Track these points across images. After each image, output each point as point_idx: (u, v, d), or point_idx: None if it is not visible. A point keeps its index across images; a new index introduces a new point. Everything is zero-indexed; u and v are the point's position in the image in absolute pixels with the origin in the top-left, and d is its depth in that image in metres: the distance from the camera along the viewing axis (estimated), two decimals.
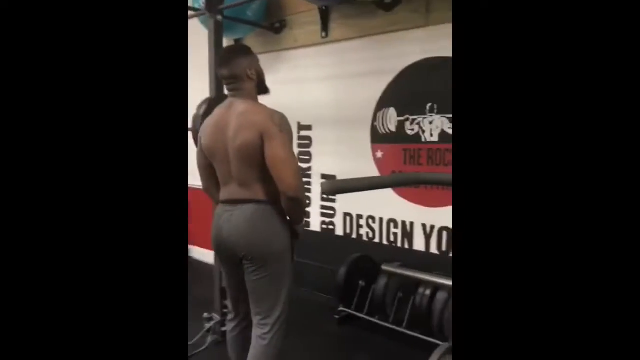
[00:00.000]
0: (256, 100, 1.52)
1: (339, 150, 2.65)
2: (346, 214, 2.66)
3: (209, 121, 1.53)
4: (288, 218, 1.49)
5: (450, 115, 2.15)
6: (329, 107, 2.69)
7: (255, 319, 1.52)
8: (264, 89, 1.55)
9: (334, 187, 1.59)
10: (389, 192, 2.38)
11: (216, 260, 2.12)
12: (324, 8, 2.55)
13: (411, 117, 2.30)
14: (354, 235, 2.62)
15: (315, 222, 2.83)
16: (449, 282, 1.96)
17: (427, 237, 2.27)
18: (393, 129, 2.38)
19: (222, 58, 1.51)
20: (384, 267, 2.24)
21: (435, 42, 2.17)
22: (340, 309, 2.32)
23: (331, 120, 2.68)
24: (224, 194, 1.51)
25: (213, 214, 1.54)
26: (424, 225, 2.29)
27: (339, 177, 2.63)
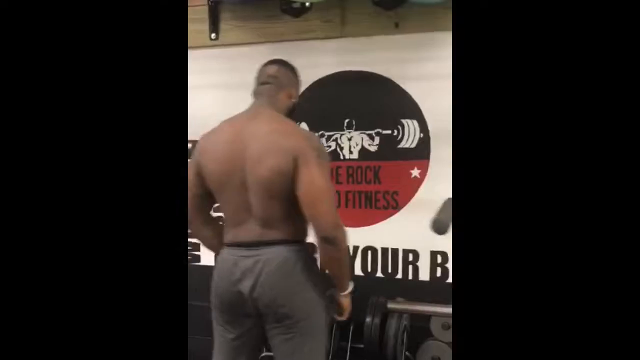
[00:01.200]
0: (285, 117, 1.22)
1: None
2: None
3: (217, 137, 1.18)
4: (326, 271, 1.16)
5: (371, 132, 2.09)
6: (218, 121, 2.34)
7: None
8: (291, 117, 1.25)
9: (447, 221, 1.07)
10: None
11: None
12: (211, 3, 2.20)
13: (327, 134, 2.16)
14: None
15: None
16: (394, 305, 1.89)
17: (352, 259, 2.16)
18: None
19: (273, 60, 1.28)
20: None
21: (351, 55, 2.07)
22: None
23: None
24: (236, 234, 1.18)
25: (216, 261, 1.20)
26: None
27: None
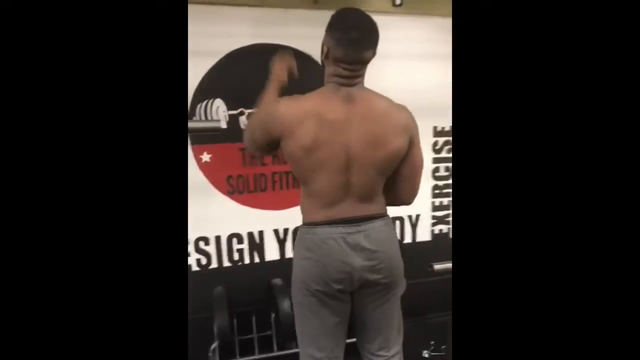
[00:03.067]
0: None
1: None
2: None
3: (305, 106, 1.13)
4: None
5: None
6: None
7: (377, 357, 1.28)
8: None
9: None
10: (223, 201, 2.01)
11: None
12: None
13: (247, 111, 1.99)
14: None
15: None
16: None
17: (281, 243, 2.07)
18: (223, 125, 2.00)
19: (359, 38, 1.10)
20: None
21: (270, 27, 1.90)
22: None
23: None
24: (333, 212, 1.17)
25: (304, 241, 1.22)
26: (276, 231, 2.07)
27: None
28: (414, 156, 1.23)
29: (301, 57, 1.91)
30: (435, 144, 2.32)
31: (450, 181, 2.39)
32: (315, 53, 1.89)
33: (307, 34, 1.88)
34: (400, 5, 2.10)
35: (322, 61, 1.22)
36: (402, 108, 1.22)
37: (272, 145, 1.21)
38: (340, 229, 1.17)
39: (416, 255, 1.94)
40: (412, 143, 1.21)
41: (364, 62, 1.17)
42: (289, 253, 2.07)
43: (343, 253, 1.17)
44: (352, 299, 1.25)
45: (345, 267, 1.17)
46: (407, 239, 2.31)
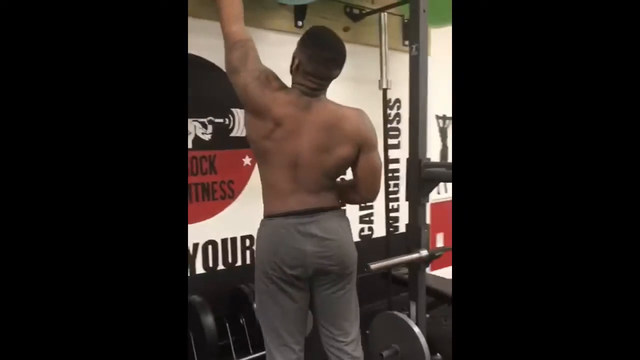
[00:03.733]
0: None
1: None
2: None
3: (277, 100, 1.24)
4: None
5: (204, 120, 1.95)
6: None
7: (337, 342, 1.39)
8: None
9: None
10: None
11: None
12: None
13: None
14: None
15: None
16: None
17: (192, 258, 2.00)
18: None
19: (331, 58, 1.22)
20: None
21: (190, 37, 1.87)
22: None
23: None
24: (286, 204, 1.28)
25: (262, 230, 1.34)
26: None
27: None
28: (366, 160, 1.37)
29: (208, 67, 1.91)
30: None
31: None
32: (222, 63, 1.92)
33: (215, 45, 1.90)
34: (301, 27, 2.23)
35: (290, 70, 1.33)
36: (356, 118, 1.35)
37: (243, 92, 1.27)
38: (292, 220, 1.30)
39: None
40: (363, 149, 1.35)
41: (331, 79, 1.31)
42: (199, 269, 2.02)
43: (294, 239, 1.29)
44: (310, 288, 1.36)
45: (298, 254, 1.30)
46: None
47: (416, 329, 1.64)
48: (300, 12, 2.22)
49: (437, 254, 1.68)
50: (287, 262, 1.31)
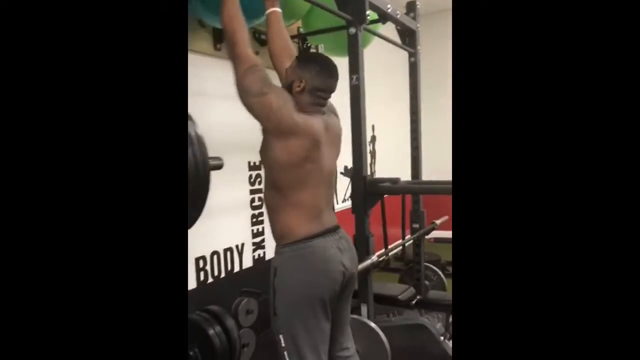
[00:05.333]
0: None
1: None
2: None
3: (308, 121, 1.30)
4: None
5: None
6: None
7: (342, 350, 1.46)
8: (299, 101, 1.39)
9: None
10: None
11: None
12: None
13: None
14: None
15: None
16: None
17: None
18: None
19: (334, 71, 1.35)
20: None
21: None
22: None
23: None
24: (320, 223, 1.34)
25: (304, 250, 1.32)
26: None
27: None
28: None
29: None
30: (250, 177, 2.54)
31: (263, 210, 2.64)
32: None
33: None
34: (220, 49, 2.26)
35: (295, 94, 1.32)
36: (339, 126, 1.49)
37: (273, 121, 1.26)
38: (330, 237, 1.34)
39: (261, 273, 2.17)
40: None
41: (334, 91, 1.38)
42: None
43: (339, 258, 1.34)
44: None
45: (342, 269, 1.35)
46: (248, 264, 2.46)
47: (373, 325, 1.84)
48: (219, 35, 2.24)
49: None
50: (338, 280, 1.34)
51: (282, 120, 1.24)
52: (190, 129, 0.86)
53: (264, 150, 1.32)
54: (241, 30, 1.28)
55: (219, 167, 1.03)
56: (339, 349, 1.47)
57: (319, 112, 1.36)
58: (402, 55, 2.89)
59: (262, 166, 1.41)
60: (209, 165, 0.93)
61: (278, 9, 1.50)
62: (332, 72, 1.34)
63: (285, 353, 1.32)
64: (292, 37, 2.36)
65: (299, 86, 1.30)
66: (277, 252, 1.36)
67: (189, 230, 1.36)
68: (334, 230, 1.37)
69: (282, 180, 1.31)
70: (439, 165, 3.80)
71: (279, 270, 1.33)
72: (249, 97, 1.24)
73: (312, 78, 1.30)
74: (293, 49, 1.53)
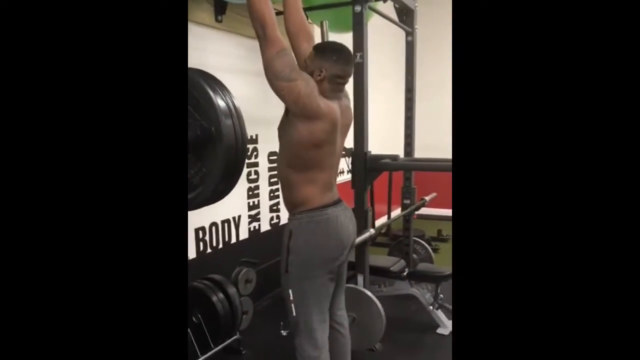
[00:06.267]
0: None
1: None
2: None
3: (329, 106, 1.38)
4: None
5: None
6: None
7: (338, 316, 1.60)
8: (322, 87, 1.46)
9: None
10: None
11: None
12: None
13: None
14: None
15: None
16: None
17: None
18: None
19: (350, 57, 1.44)
20: None
21: None
22: None
23: None
24: (331, 195, 1.47)
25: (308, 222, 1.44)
26: None
27: None
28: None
29: None
30: (247, 149, 2.58)
31: (258, 183, 2.69)
32: None
33: None
34: (221, 21, 2.25)
35: (316, 83, 1.37)
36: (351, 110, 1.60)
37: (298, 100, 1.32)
38: (339, 208, 1.48)
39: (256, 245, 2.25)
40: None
41: (350, 76, 1.45)
42: None
43: (347, 225, 1.49)
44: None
45: (350, 236, 1.51)
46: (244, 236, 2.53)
47: (369, 293, 1.94)
48: (220, 7, 2.23)
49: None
50: (346, 245, 1.49)
51: (309, 105, 1.31)
52: (229, 100, 0.88)
53: (286, 130, 1.38)
54: (270, 11, 1.29)
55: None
56: (337, 308, 1.60)
57: (337, 98, 1.43)
58: (393, 33, 2.93)
59: (280, 143, 1.44)
60: (246, 137, 0.97)
61: None
62: (348, 59, 1.41)
63: (293, 306, 1.46)
64: None
65: (319, 75, 1.36)
66: (292, 217, 1.46)
67: (219, 202, 1.43)
68: (339, 201, 1.50)
69: (301, 159, 1.39)
70: (428, 141, 3.90)
71: (294, 233, 1.43)
72: (278, 80, 1.29)
73: (331, 66, 1.36)
74: (309, 29, 1.55)
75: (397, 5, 2.54)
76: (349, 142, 2.01)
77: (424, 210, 2.74)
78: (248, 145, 2.57)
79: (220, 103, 1.10)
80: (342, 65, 1.38)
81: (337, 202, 1.48)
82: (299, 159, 1.39)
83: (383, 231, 3.91)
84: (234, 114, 0.86)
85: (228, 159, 0.99)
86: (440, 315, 2.31)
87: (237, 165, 0.92)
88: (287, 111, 1.39)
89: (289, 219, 1.48)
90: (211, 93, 1.13)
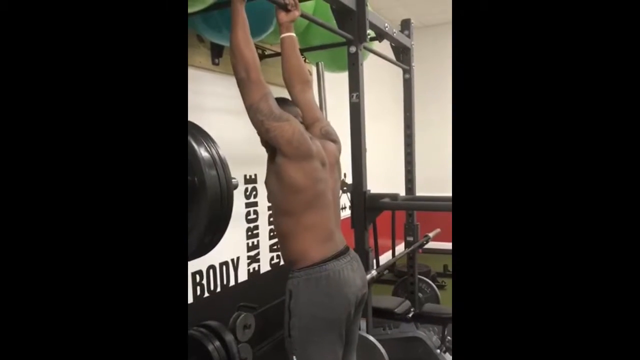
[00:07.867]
0: None
1: None
2: None
3: (314, 145, 1.36)
4: None
5: None
6: None
7: None
8: None
9: None
10: None
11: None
12: None
13: None
14: None
15: None
16: None
17: None
18: None
19: None
20: None
21: None
22: None
23: None
24: (332, 245, 1.36)
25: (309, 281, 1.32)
26: None
27: None
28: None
29: None
30: (246, 190, 2.55)
31: (258, 222, 2.65)
32: None
33: None
34: (218, 64, 2.27)
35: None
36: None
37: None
38: (343, 261, 1.36)
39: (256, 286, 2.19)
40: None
41: None
42: None
43: (352, 280, 1.36)
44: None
45: (356, 291, 1.38)
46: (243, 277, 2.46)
47: (371, 338, 1.86)
48: (217, 51, 2.25)
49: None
50: (352, 302, 1.35)
51: (304, 143, 1.29)
52: (213, 150, 0.87)
53: (275, 176, 1.33)
54: (254, 55, 1.29)
55: (234, 187, 1.04)
56: None
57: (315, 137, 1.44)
58: (390, 70, 2.95)
59: (270, 195, 1.38)
60: (232, 187, 0.94)
61: (292, 34, 1.52)
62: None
63: None
64: None
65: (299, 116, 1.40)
66: (291, 275, 1.37)
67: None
68: (345, 251, 1.40)
69: (295, 203, 1.33)
70: (428, 175, 3.87)
71: (294, 293, 1.34)
72: (270, 121, 1.26)
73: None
74: (306, 71, 1.55)
75: (393, 44, 2.56)
76: (350, 178, 2.01)
77: (429, 244, 2.68)
78: (247, 185, 2.55)
79: (204, 154, 1.07)
80: None
81: (340, 254, 1.37)
82: (293, 204, 1.33)
83: (387, 272, 3.83)
84: (219, 164, 0.83)
85: (213, 210, 0.96)
86: (448, 358, 2.21)
87: (223, 217, 0.88)
88: (271, 158, 1.35)
89: (289, 277, 1.38)
90: (194, 144, 1.10)
